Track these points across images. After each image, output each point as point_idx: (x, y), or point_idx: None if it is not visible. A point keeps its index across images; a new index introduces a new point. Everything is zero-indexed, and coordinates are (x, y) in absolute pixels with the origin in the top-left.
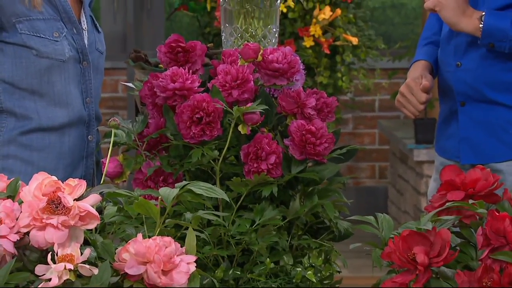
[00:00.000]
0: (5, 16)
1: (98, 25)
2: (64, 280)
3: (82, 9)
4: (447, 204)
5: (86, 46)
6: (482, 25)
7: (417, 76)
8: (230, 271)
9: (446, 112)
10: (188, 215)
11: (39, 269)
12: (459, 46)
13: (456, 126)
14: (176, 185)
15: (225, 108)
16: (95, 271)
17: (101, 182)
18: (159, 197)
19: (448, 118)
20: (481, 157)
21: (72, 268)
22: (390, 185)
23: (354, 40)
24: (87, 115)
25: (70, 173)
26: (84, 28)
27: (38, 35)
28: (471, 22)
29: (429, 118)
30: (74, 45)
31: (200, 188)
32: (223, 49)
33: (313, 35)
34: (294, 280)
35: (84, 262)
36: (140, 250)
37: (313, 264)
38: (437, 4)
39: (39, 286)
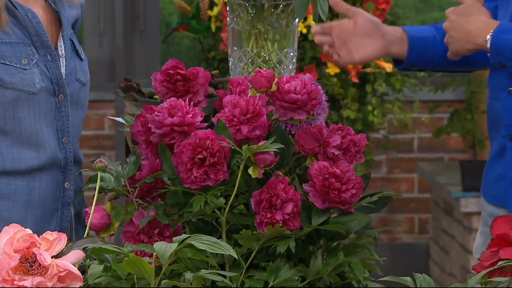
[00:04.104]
0: None
1: (81, 51)
2: None
3: (61, 32)
4: (499, 263)
5: (63, 75)
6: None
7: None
8: None
9: (495, 149)
10: (189, 275)
11: None
12: None
13: (504, 166)
14: (174, 239)
15: (232, 147)
16: None
17: (85, 235)
18: (154, 253)
19: (496, 157)
20: None
21: None
22: (432, 241)
23: (388, 67)
24: (63, 158)
25: (42, 227)
26: (61, 54)
27: (3, 62)
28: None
29: (478, 160)
30: (48, 75)
31: (203, 242)
32: (231, 77)
33: None
34: None
35: None
36: None
37: None
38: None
39: None
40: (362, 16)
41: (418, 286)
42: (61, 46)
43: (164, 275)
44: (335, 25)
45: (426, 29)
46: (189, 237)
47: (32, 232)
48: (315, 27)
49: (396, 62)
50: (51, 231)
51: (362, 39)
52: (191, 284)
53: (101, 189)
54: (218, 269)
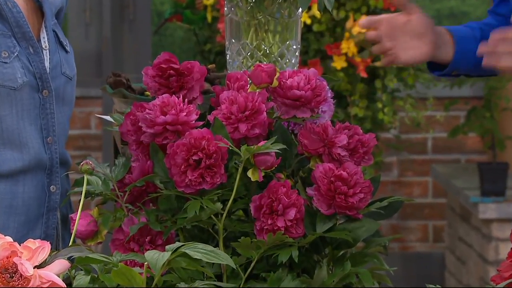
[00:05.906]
0: None
1: (66, 42)
2: None
3: (43, 22)
4: None
5: (48, 70)
6: None
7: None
8: None
9: None
10: (183, 286)
11: None
12: None
13: None
14: (167, 247)
15: (230, 148)
16: None
17: (70, 243)
18: (145, 263)
19: None
20: None
21: None
22: (448, 250)
23: None
24: (48, 159)
25: (25, 234)
26: (44, 47)
27: None
28: None
29: (498, 162)
30: (30, 69)
31: (198, 251)
32: (228, 72)
33: (346, 54)
34: None
35: None
36: None
37: None
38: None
39: None
40: (418, 14)
41: None
42: (44, 38)
43: (156, 286)
44: (385, 18)
45: (464, 29)
46: (183, 245)
47: (13, 240)
48: (362, 21)
49: (432, 66)
50: (36, 239)
51: (412, 39)
52: None
53: (88, 194)
54: (215, 280)
